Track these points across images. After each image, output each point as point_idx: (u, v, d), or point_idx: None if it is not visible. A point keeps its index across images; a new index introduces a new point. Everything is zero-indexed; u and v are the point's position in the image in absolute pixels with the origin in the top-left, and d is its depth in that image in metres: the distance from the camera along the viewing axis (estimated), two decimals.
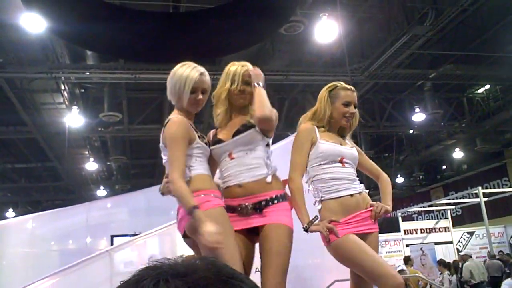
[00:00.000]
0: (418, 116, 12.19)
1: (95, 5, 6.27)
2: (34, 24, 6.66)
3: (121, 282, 0.68)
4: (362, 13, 8.92)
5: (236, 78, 2.56)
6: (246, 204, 2.42)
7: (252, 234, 2.46)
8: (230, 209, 2.45)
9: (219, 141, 2.53)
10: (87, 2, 6.18)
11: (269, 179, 2.46)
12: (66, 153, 12.41)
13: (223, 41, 7.08)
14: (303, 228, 2.50)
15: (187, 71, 2.44)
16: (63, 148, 11.84)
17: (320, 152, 2.63)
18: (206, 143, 2.51)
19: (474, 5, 8.11)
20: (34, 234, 8.07)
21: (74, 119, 10.45)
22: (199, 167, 2.42)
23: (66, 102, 10.60)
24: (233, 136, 2.49)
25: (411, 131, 14.40)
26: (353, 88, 2.77)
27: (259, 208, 2.42)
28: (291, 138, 3.03)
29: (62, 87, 10.21)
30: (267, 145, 2.55)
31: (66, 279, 4.26)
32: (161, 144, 2.48)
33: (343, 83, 2.79)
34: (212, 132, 2.68)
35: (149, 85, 10.38)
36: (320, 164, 2.63)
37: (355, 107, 2.73)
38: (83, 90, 10.67)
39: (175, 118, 2.44)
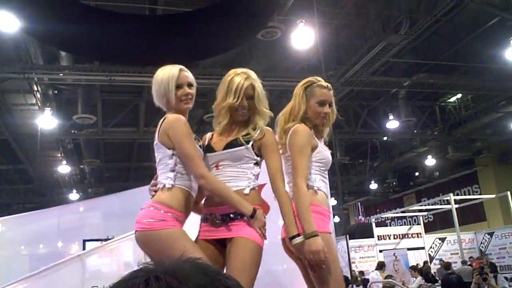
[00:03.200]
0: (392, 124, 12.38)
1: (70, 5, 6.17)
2: (7, 23, 6.52)
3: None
4: (339, 20, 9.02)
5: (238, 92, 2.47)
6: (216, 214, 2.39)
7: (222, 246, 2.40)
8: (204, 218, 2.47)
9: (211, 149, 2.50)
10: (62, 2, 6.08)
11: (246, 190, 2.40)
12: (38, 156, 12.17)
13: (200, 45, 7.05)
14: (299, 236, 2.35)
15: (167, 70, 2.44)
16: (35, 150, 11.61)
17: (322, 159, 2.59)
18: (200, 146, 2.48)
19: (447, 15, 8.31)
20: (3, 238, 7.88)
21: (46, 121, 10.26)
22: (185, 177, 2.39)
23: (39, 104, 10.41)
24: (224, 148, 2.46)
25: (385, 138, 14.60)
26: (329, 86, 2.68)
27: (226, 220, 2.37)
28: None
29: (35, 88, 10.02)
30: (256, 163, 2.48)
31: (36, 285, 4.15)
32: (156, 142, 2.43)
33: (320, 80, 2.69)
34: (208, 135, 2.63)
35: (124, 88, 10.30)
36: (320, 170, 2.59)
37: (330, 106, 2.64)
38: (56, 92, 10.49)
39: (175, 115, 2.40)
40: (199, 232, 2.49)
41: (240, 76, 2.50)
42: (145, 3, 7.89)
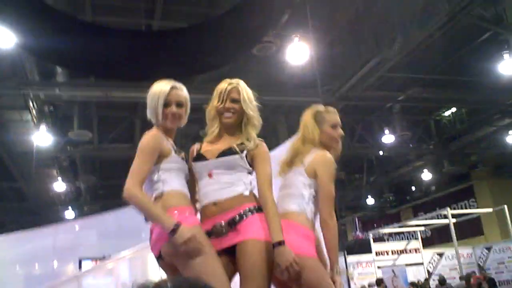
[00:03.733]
0: (387, 138, 12.41)
1: (66, 20, 6.22)
2: (2, 38, 6.54)
3: None
4: (333, 35, 9.10)
5: (222, 96, 2.52)
6: (221, 222, 2.35)
7: (231, 254, 2.34)
8: (206, 233, 2.37)
9: (202, 157, 2.47)
10: (58, 18, 6.12)
11: (246, 192, 2.40)
12: (33, 173, 12.10)
13: (195, 60, 7.09)
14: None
15: (159, 86, 2.46)
16: (29, 168, 11.55)
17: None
18: (182, 158, 2.47)
19: (440, 30, 8.38)
20: None
21: (42, 138, 10.21)
22: (173, 182, 2.37)
23: (34, 120, 10.37)
24: (218, 156, 2.43)
25: (380, 153, 14.62)
26: (335, 110, 2.77)
27: (233, 223, 2.33)
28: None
29: (31, 104, 10.00)
30: (249, 173, 2.47)
31: None
32: None
33: (324, 107, 2.78)
34: (196, 145, 2.60)
35: (121, 104, 10.29)
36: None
37: (342, 129, 2.74)
38: (52, 108, 10.46)
39: (149, 131, 2.43)
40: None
41: (225, 82, 2.57)
42: (141, 18, 7.94)
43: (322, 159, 2.57)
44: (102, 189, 16.43)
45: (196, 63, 7.01)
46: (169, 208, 2.27)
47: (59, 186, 13.99)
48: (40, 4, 6.21)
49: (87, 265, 7.73)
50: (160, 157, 2.36)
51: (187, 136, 11.24)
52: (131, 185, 2.25)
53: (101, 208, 15.69)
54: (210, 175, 2.42)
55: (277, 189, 2.61)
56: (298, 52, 8.24)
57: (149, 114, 2.50)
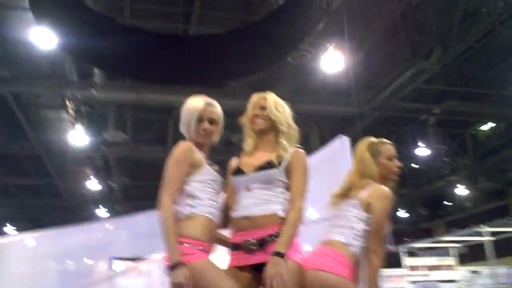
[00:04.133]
0: (421, 151, 12.15)
1: (106, 23, 6.36)
2: (43, 39, 6.75)
3: None
4: (369, 44, 9.00)
5: (251, 106, 2.59)
6: (252, 240, 2.31)
7: (258, 270, 2.30)
8: (235, 246, 2.38)
9: (241, 172, 2.47)
10: (98, 20, 6.27)
11: (280, 213, 2.35)
12: (68, 171, 12.39)
13: (230, 66, 7.14)
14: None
15: (194, 101, 2.52)
16: (65, 166, 11.84)
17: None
18: (215, 171, 2.47)
19: (480, 42, 8.19)
20: (35, 253, 7.98)
21: (78, 137, 10.46)
22: (205, 203, 2.37)
23: (71, 119, 10.64)
24: (255, 170, 2.42)
25: (414, 165, 14.34)
26: (389, 141, 2.74)
27: (263, 243, 2.30)
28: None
29: (68, 104, 10.27)
30: (287, 188, 2.42)
31: None
32: None
33: (377, 139, 2.76)
34: (234, 160, 2.61)
35: (155, 106, 10.44)
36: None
37: (398, 160, 2.70)
38: (88, 108, 10.71)
39: (181, 142, 2.45)
40: (230, 259, 2.42)
41: (255, 95, 2.63)
42: (179, 22, 8.05)
43: (380, 194, 2.53)
44: (134, 190, 16.68)
45: (232, 69, 7.05)
46: (185, 238, 2.26)
47: (93, 185, 14.28)
48: (81, 6, 6.39)
49: (118, 264, 7.84)
50: (192, 168, 2.39)
51: (219, 142, 11.32)
52: (166, 201, 2.28)
53: (132, 208, 15.93)
54: (248, 189, 2.42)
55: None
56: (332, 61, 8.18)
57: (182, 128, 2.54)
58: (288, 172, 2.41)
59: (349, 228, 2.47)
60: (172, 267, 2.16)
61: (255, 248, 2.30)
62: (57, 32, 6.29)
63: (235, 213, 2.42)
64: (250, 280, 2.30)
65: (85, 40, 6.31)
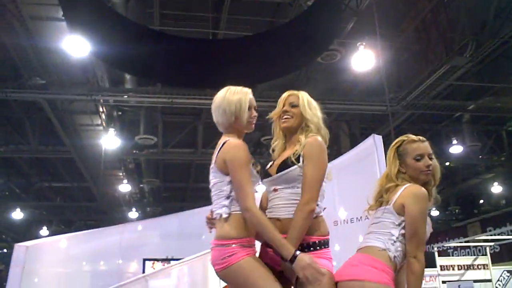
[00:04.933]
0: (456, 148, 11.90)
1: (136, 30, 6.44)
2: (76, 47, 6.89)
3: None
4: (399, 43, 8.87)
5: (282, 102, 2.56)
6: None
7: (286, 277, 2.31)
8: (268, 244, 2.35)
9: (267, 174, 2.47)
10: (129, 27, 6.35)
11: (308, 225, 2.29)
12: (101, 174, 12.61)
13: (260, 69, 7.14)
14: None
15: (238, 91, 2.46)
16: (98, 169, 12.05)
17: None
18: (257, 172, 2.44)
19: None
20: (67, 254, 8.14)
21: (110, 141, 10.65)
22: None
23: (104, 124, 10.83)
24: (277, 171, 2.40)
25: (447, 163, 14.06)
26: (421, 138, 2.57)
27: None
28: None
29: (101, 109, 10.46)
30: None
31: None
32: (213, 166, 2.39)
33: (410, 136, 2.60)
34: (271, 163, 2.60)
35: (184, 110, 10.54)
36: None
37: (430, 158, 2.51)
38: (120, 113, 10.89)
39: (235, 141, 2.36)
40: (263, 252, 2.40)
41: (287, 92, 2.59)
42: (208, 27, 8.09)
43: (411, 193, 2.39)
44: (165, 192, 16.89)
45: (261, 71, 7.05)
46: (228, 240, 2.25)
47: (125, 187, 14.51)
48: (112, 14, 6.48)
49: (150, 265, 7.94)
50: None
51: (249, 142, 11.34)
52: (253, 207, 2.21)
53: (163, 210, 16.16)
54: (275, 190, 2.42)
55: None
56: (363, 60, 8.09)
57: (223, 119, 2.43)
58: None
59: (387, 234, 2.38)
60: (291, 260, 2.12)
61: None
62: (90, 40, 6.41)
63: (268, 214, 2.41)
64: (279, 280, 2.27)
65: (117, 47, 6.41)
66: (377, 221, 2.47)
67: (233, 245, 2.23)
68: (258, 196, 2.49)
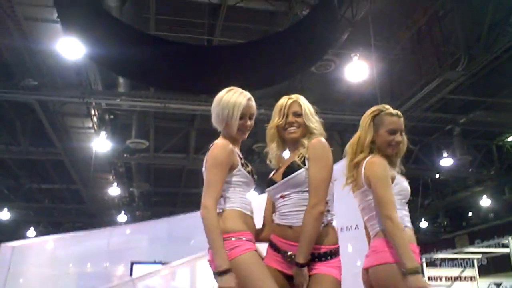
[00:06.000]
0: (446, 161, 11.98)
1: (132, 33, 6.44)
2: (70, 50, 6.87)
3: None
4: (393, 55, 8.92)
5: (283, 111, 2.48)
6: (292, 255, 2.25)
7: (290, 280, 2.28)
8: (275, 248, 2.34)
9: (272, 182, 2.43)
10: (124, 30, 6.35)
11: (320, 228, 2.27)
12: (91, 177, 12.54)
13: (254, 76, 7.14)
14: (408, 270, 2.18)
15: (235, 96, 2.39)
16: (88, 172, 11.98)
17: (402, 190, 2.48)
18: (249, 172, 2.39)
19: (507, 52, 8.04)
20: (54, 256, 8.07)
21: (101, 144, 10.59)
22: (235, 200, 2.31)
23: (95, 127, 10.78)
24: (282, 177, 2.37)
25: (437, 176, 14.13)
26: (399, 113, 2.57)
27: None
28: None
29: (92, 112, 10.41)
30: None
31: None
32: (203, 169, 2.38)
33: (389, 108, 2.59)
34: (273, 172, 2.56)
35: (177, 115, 10.52)
36: (401, 203, 2.47)
37: (401, 134, 2.53)
38: (112, 116, 10.84)
39: (219, 142, 2.35)
40: (269, 254, 2.37)
41: (284, 98, 2.52)
42: (203, 33, 8.09)
43: (370, 165, 2.43)
44: (155, 196, 16.81)
45: (255, 78, 7.06)
46: (226, 234, 2.20)
47: (114, 191, 14.42)
48: (108, 17, 6.47)
49: (139, 268, 7.88)
50: (229, 170, 2.31)
51: (240, 150, 11.34)
52: (211, 206, 2.19)
53: (152, 214, 16.08)
54: (283, 197, 2.38)
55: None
56: (357, 70, 8.14)
57: (216, 122, 2.42)
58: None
59: (378, 214, 2.38)
60: (220, 273, 2.10)
61: (291, 262, 2.25)
62: (85, 42, 6.39)
63: (277, 220, 2.38)
64: (280, 282, 2.24)
65: (112, 50, 6.40)
66: (364, 205, 2.49)
67: (233, 239, 2.19)
68: (255, 203, 2.49)
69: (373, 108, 2.62)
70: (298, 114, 2.45)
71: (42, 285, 7.59)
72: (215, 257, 2.14)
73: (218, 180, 2.24)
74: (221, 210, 2.26)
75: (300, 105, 2.47)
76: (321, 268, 2.25)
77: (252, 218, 2.38)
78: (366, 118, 2.59)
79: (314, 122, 2.46)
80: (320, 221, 2.24)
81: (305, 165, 2.32)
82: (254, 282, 2.13)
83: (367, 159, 2.49)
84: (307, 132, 2.45)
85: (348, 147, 2.63)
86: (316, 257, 2.26)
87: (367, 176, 2.42)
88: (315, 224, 2.22)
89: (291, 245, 2.29)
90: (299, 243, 2.21)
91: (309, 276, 2.23)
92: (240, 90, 2.43)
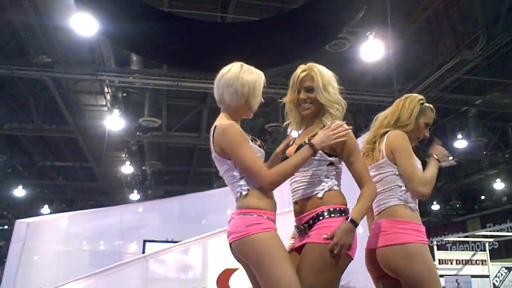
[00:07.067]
0: (460, 143, 11.83)
1: (145, 10, 6.36)
2: (83, 26, 6.82)
3: None
4: (409, 34, 8.77)
5: (295, 85, 2.40)
6: (302, 226, 2.27)
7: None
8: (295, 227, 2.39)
9: (285, 158, 2.39)
10: (138, 7, 6.27)
11: (320, 194, 2.24)
12: (104, 155, 12.61)
13: (267, 54, 7.06)
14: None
15: (253, 72, 2.33)
16: (101, 150, 12.03)
17: None
18: (259, 146, 2.35)
19: None
20: (68, 233, 8.18)
21: (114, 122, 10.62)
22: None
23: (108, 105, 10.80)
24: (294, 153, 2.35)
25: (451, 158, 13.98)
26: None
27: (307, 227, 2.25)
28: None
29: (106, 90, 10.41)
30: (331, 163, 2.28)
31: (101, 282, 4.23)
32: (214, 155, 2.30)
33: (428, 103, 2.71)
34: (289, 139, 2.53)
35: (190, 93, 10.48)
36: None
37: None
38: (125, 94, 10.84)
39: (227, 122, 2.25)
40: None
41: (299, 69, 2.42)
42: (217, 11, 8.00)
43: (394, 138, 2.51)
44: (167, 175, 16.90)
45: (268, 56, 6.98)
46: (249, 209, 2.19)
47: (127, 169, 14.52)
48: None
49: (151, 246, 7.97)
50: None
51: (252, 129, 11.29)
52: (270, 177, 2.17)
53: (164, 193, 16.19)
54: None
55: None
56: (372, 50, 8.01)
57: (232, 98, 2.29)
58: (335, 150, 2.28)
59: (394, 187, 2.48)
60: (312, 149, 2.20)
61: (303, 233, 2.27)
62: (98, 18, 6.34)
63: (292, 198, 2.39)
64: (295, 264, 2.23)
65: (125, 26, 6.34)
66: (378, 178, 2.50)
67: (255, 215, 2.16)
68: None
69: (418, 96, 2.70)
70: (310, 89, 2.35)
71: (56, 262, 7.71)
72: (303, 154, 2.21)
73: (252, 155, 2.20)
74: (247, 191, 2.21)
75: (312, 78, 2.35)
76: (313, 233, 2.24)
77: (273, 196, 2.33)
78: (414, 103, 2.64)
79: (328, 96, 2.34)
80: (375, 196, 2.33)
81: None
82: (275, 261, 2.10)
83: (394, 132, 2.55)
84: (321, 108, 2.36)
85: (380, 116, 2.68)
86: (314, 219, 2.25)
87: (390, 148, 2.48)
88: (372, 198, 2.30)
89: (298, 219, 2.32)
90: (353, 209, 2.21)
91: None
92: (250, 67, 2.36)
